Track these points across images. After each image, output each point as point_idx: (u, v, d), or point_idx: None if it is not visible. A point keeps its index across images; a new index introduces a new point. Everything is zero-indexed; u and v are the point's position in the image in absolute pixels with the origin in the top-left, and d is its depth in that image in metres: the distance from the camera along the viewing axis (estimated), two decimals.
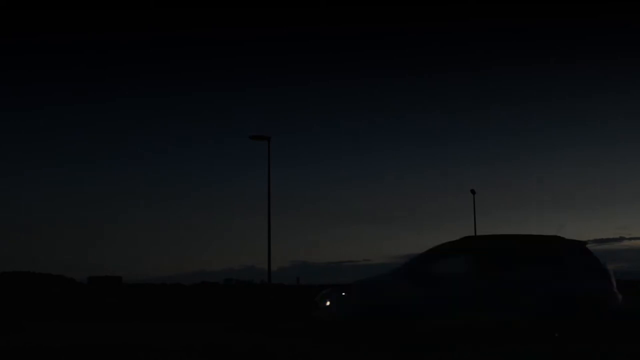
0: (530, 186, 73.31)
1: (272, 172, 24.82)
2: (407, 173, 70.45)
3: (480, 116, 64.21)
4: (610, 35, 51.63)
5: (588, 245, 11.46)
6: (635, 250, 61.08)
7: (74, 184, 69.72)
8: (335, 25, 51.16)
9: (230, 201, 73.95)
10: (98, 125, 67.66)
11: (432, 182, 72.40)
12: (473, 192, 40.55)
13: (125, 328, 14.30)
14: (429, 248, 11.43)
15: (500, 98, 62.88)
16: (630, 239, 63.43)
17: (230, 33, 54.87)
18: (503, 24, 49.47)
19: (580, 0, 44.55)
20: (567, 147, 66.76)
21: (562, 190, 69.61)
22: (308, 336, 11.15)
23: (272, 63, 59.91)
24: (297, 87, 63.95)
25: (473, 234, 11.68)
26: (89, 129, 69.03)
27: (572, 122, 64.71)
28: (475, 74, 61.29)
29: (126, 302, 25.44)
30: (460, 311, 10.61)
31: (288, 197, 62.25)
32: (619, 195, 74.52)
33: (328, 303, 11.08)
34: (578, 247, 11.29)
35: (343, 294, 11.09)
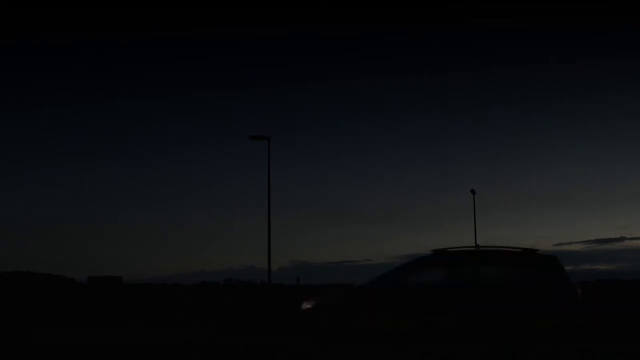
0: (530, 186, 73.22)
1: (272, 172, 24.85)
2: (407, 173, 70.33)
3: (480, 116, 64.08)
4: (610, 35, 51.54)
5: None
6: (636, 251, 61.08)
7: (74, 184, 69.66)
8: (335, 25, 51.07)
9: (230, 201, 73.87)
10: (98, 125, 67.53)
11: (432, 182, 72.27)
12: (473, 192, 40.63)
13: (125, 328, 14.29)
14: (400, 265, 11.46)
15: (500, 98, 62.78)
16: (631, 238, 63.40)
17: (230, 33, 54.81)
18: (503, 24, 49.38)
19: (580, 0, 44.55)
20: (567, 147, 66.62)
21: (562, 190, 69.55)
22: (308, 336, 11.15)
23: (272, 63, 59.87)
24: (297, 87, 63.88)
25: (443, 248, 11.60)
26: (89, 129, 68.98)
27: (572, 122, 64.58)
28: (475, 74, 61.17)
29: (126, 302, 25.42)
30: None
31: (288, 197, 62.20)
32: (619, 195, 74.42)
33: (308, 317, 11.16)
34: (551, 263, 11.06)
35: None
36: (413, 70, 58.37)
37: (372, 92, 61.57)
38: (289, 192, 60.26)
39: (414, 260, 11.45)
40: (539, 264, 11.10)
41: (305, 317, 11.24)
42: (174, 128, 65.24)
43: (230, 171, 65.09)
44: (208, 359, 8.91)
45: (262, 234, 24.85)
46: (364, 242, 73.71)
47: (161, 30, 50.47)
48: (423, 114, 62.23)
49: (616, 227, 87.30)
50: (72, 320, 17.13)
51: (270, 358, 8.92)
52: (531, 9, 46.36)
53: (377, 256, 73.52)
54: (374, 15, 47.14)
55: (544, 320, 10.48)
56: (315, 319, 11.10)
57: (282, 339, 11.30)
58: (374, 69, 60.10)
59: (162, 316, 18.67)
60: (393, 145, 64.72)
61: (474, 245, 28.93)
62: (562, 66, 55.86)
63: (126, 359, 8.99)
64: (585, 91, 58.34)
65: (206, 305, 23.90)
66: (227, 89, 61.03)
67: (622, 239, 62.16)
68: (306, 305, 11.30)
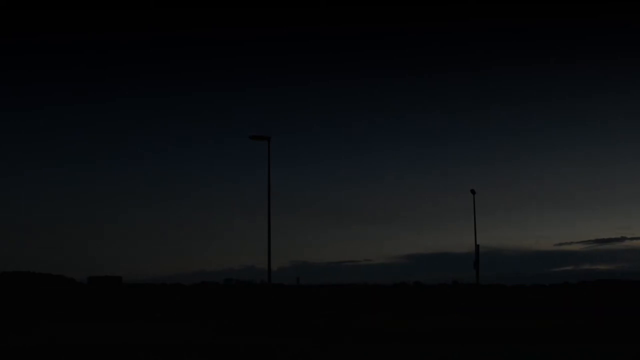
0: (530, 186, 73.19)
1: (272, 172, 24.81)
2: (407, 173, 70.29)
3: (480, 116, 64.03)
4: (610, 35, 51.52)
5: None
6: (636, 251, 61.01)
7: (74, 184, 69.63)
8: (335, 25, 51.04)
9: (230, 201, 73.83)
10: (98, 125, 67.48)
11: (432, 182, 72.21)
12: (473, 192, 40.52)
13: (125, 328, 14.30)
14: None
15: (500, 98, 62.75)
16: (631, 238, 63.36)
17: (230, 33, 54.78)
18: (503, 24, 49.39)
19: (580, 0, 44.54)
20: (567, 147, 66.58)
21: (562, 190, 69.52)
22: (308, 336, 11.15)
23: (272, 63, 59.85)
24: (297, 87, 63.86)
25: None
26: (89, 129, 68.96)
27: (572, 122, 64.55)
28: (475, 74, 61.14)
29: (126, 302, 25.45)
30: None
31: (288, 197, 62.12)
32: (619, 195, 74.37)
33: None
34: None
35: None
36: (413, 70, 58.38)
37: (372, 92, 61.58)
38: (289, 192, 60.25)
39: None
40: None
41: None
42: (174, 128, 65.24)
43: (230, 171, 65.12)
44: (208, 359, 8.91)
45: (262, 234, 24.79)
46: (364, 242, 73.70)
47: (161, 30, 50.45)
48: (423, 114, 62.22)
49: (616, 227, 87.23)
50: (72, 320, 17.15)
51: (270, 358, 8.92)
52: (531, 9, 46.38)
53: (377, 256, 73.51)
54: (374, 15, 47.15)
55: None
56: None
57: (282, 339, 11.30)
58: (374, 69, 60.12)
59: (162, 316, 18.69)
60: (393, 145, 64.72)
61: (473, 245, 28.90)
62: (562, 66, 55.88)
63: (126, 359, 8.99)
64: (585, 91, 58.35)
65: (206, 305, 23.92)
66: (227, 89, 61.06)
67: (622, 239, 62.12)
68: None
